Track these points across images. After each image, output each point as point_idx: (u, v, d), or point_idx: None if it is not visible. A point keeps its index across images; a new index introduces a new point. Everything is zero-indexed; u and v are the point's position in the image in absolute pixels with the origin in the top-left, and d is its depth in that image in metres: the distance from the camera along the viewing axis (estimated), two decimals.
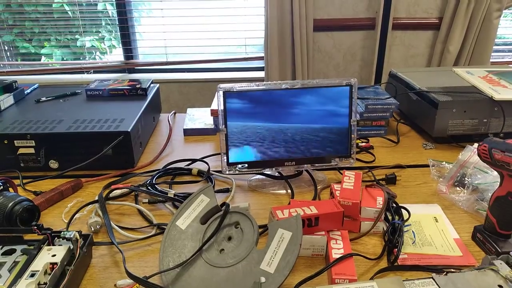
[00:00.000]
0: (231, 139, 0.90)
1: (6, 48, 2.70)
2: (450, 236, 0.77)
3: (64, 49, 2.75)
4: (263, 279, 0.52)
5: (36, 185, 0.96)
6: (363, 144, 1.13)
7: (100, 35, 2.76)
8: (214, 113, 1.23)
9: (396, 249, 0.71)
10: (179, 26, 2.41)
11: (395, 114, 1.28)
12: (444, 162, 0.99)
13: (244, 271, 0.63)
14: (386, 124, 1.21)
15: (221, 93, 0.87)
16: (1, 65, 2.61)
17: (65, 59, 2.77)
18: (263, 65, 2.43)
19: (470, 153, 0.90)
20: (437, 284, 0.53)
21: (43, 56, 2.81)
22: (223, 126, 0.89)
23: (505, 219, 0.70)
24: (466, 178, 0.89)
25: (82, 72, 2.52)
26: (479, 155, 0.73)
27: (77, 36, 2.69)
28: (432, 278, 0.54)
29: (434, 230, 0.79)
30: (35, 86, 1.30)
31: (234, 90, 0.88)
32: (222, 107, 0.88)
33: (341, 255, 0.67)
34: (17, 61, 2.69)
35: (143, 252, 0.75)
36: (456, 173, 0.91)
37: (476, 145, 0.90)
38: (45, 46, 2.72)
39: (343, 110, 0.91)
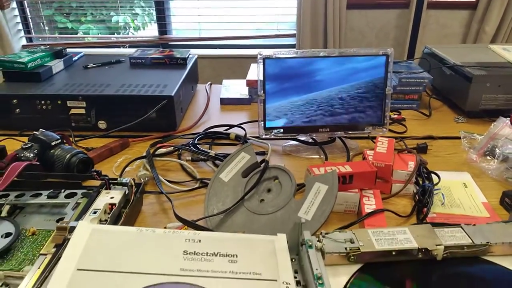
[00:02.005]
0: (268, 104, 0.94)
1: (45, 22, 2.81)
2: (478, 200, 0.80)
3: (99, 25, 2.84)
4: (303, 220, 0.57)
5: (86, 143, 1.03)
6: (396, 116, 1.16)
7: (134, 12, 2.84)
8: (250, 83, 1.27)
9: (426, 208, 0.75)
10: (212, 2, 2.45)
11: (427, 89, 1.29)
12: (475, 134, 1.01)
13: (283, 218, 0.69)
14: (418, 98, 1.23)
15: (261, 59, 0.91)
16: (41, 39, 2.72)
17: (100, 34, 2.86)
18: (294, 43, 2.45)
19: (502, 124, 0.92)
20: (465, 232, 0.57)
21: (80, 31, 2.91)
22: (262, 91, 0.94)
23: None
24: (497, 148, 0.91)
25: (118, 47, 2.60)
26: (511, 121, 0.75)
27: (112, 13, 2.77)
28: (461, 226, 0.58)
29: (463, 194, 0.82)
30: (81, 54, 1.38)
31: (274, 57, 0.92)
32: (261, 73, 0.92)
33: (373, 210, 0.71)
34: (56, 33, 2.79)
35: (188, 202, 0.81)
36: (487, 143, 0.93)
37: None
38: (81, 21, 2.82)
39: (379, 79, 0.94)
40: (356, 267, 0.55)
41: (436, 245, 0.55)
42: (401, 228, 0.58)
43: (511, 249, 0.57)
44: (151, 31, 2.83)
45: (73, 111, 1.06)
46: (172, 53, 1.31)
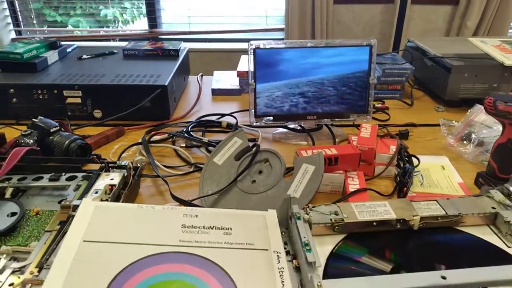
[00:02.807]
0: (258, 93, 0.99)
1: (34, 16, 2.80)
2: (455, 180, 0.86)
3: (88, 18, 2.85)
4: (292, 194, 0.62)
5: (82, 131, 1.07)
6: (379, 105, 1.22)
7: (123, 5, 2.85)
8: (240, 74, 1.32)
9: (406, 188, 0.80)
10: None
11: (410, 80, 1.35)
12: (454, 121, 1.07)
13: (273, 197, 0.74)
14: (401, 88, 1.29)
15: (252, 49, 0.96)
16: (29, 32, 2.72)
17: (90, 28, 2.87)
18: (282, 37, 2.49)
19: (478, 111, 0.98)
20: (440, 205, 0.62)
21: (69, 25, 2.91)
22: (252, 80, 0.98)
23: (504, 164, 0.79)
24: (472, 134, 0.97)
25: (108, 40, 2.62)
26: (485, 108, 0.81)
27: (101, 7, 2.78)
28: (436, 200, 0.63)
29: (441, 175, 0.88)
30: (75, 46, 1.41)
31: (264, 47, 0.96)
32: (252, 63, 0.97)
33: (357, 189, 0.77)
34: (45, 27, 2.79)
35: (183, 185, 0.86)
36: (464, 128, 0.99)
37: None
38: (70, 14, 2.82)
39: (363, 69, 1.00)
40: (340, 237, 0.60)
41: (413, 215, 0.60)
42: (382, 202, 0.63)
43: (480, 220, 0.63)
44: (140, 24, 2.84)
45: (69, 100, 1.09)
46: (164, 45, 1.35)
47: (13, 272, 0.56)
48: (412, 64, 1.29)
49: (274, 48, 0.97)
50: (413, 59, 1.35)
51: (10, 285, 0.53)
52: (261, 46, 0.96)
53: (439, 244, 0.60)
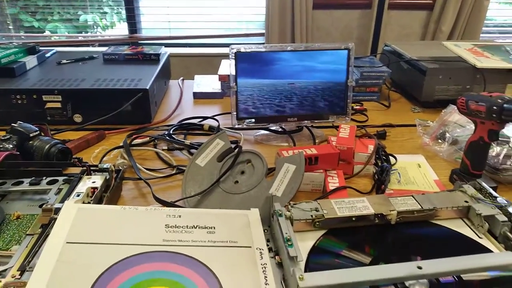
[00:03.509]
0: (240, 95, 1.00)
1: (10, 21, 2.76)
2: (430, 178, 0.89)
3: (67, 24, 2.82)
4: (274, 193, 0.63)
5: (62, 135, 1.06)
6: (358, 107, 1.25)
7: (102, 11, 2.83)
8: (222, 78, 1.33)
9: (383, 185, 0.83)
10: (182, 1, 2.49)
11: (387, 83, 1.39)
12: (429, 121, 1.10)
13: (256, 196, 0.75)
14: (379, 90, 1.32)
15: (233, 52, 0.97)
16: (4, 38, 2.68)
17: (68, 33, 2.84)
18: (263, 42, 2.52)
19: (452, 111, 1.02)
20: (415, 200, 0.65)
21: (46, 31, 2.87)
22: (234, 83, 0.99)
23: (477, 160, 0.82)
24: (447, 133, 1.00)
25: (87, 46, 2.60)
26: (458, 107, 0.85)
27: (79, 12, 2.76)
28: (412, 196, 0.66)
29: (417, 173, 0.91)
30: (54, 51, 1.39)
31: (245, 50, 0.98)
32: (233, 66, 0.98)
33: (336, 187, 0.79)
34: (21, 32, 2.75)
35: (165, 187, 0.86)
36: (439, 128, 1.02)
37: None
38: (47, 20, 2.78)
39: (341, 71, 1.02)
40: (321, 233, 0.62)
41: (390, 210, 0.62)
42: (360, 198, 0.65)
43: (454, 213, 0.65)
44: (120, 30, 2.83)
45: (48, 105, 1.08)
46: (144, 50, 1.35)
47: None
48: (389, 67, 1.33)
49: (255, 51, 0.99)
50: (390, 62, 1.39)
51: None
52: (242, 50, 0.98)
53: (415, 237, 0.63)
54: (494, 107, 0.75)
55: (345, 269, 0.51)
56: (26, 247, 0.60)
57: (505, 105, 0.74)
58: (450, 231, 0.63)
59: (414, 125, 1.13)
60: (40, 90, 1.07)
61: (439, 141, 1.01)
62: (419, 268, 0.51)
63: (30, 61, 1.22)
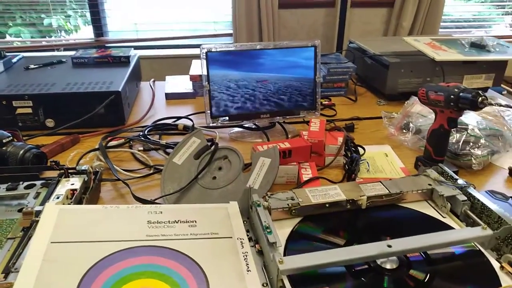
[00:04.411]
0: (213, 94, 1.03)
1: None
2: (397, 165, 0.94)
3: (30, 28, 2.75)
4: (252, 185, 0.66)
5: (35, 141, 1.05)
6: (326, 102, 1.29)
7: (66, 14, 2.77)
8: (193, 78, 1.35)
9: (354, 175, 0.88)
10: (148, 2, 2.48)
11: (353, 78, 1.45)
12: (394, 113, 1.16)
13: (234, 190, 0.78)
14: (345, 85, 1.38)
15: (204, 52, 0.99)
16: None
17: (32, 38, 2.76)
18: (231, 42, 2.54)
19: (414, 102, 1.08)
20: (383, 185, 0.69)
21: (8, 36, 2.79)
22: (206, 83, 1.02)
23: (438, 147, 0.88)
24: (410, 123, 1.06)
25: (52, 50, 2.54)
26: (419, 98, 0.90)
27: (42, 15, 2.69)
28: (380, 182, 0.70)
29: (385, 162, 0.96)
30: (20, 56, 1.37)
31: (215, 50, 1.00)
32: (205, 66, 1.00)
33: (310, 178, 0.83)
34: None
35: (144, 187, 0.87)
36: (402, 119, 1.08)
37: None
38: (8, 24, 2.70)
39: (309, 68, 1.06)
40: (297, 220, 0.65)
41: (360, 196, 0.67)
42: (333, 186, 0.69)
43: (419, 196, 0.70)
44: (85, 33, 2.78)
45: (19, 110, 1.07)
46: (113, 53, 1.35)
47: None
48: (354, 63, 1.39)
49: (225, 50, 1.01)
50: (355, 58, 1.45)
51: None
52: (213, 49, 1.00)
53: (384, 219, 0.67)
54: (452, 96, 0.81)
55: (321, 251, 0.54)
56: (8, 250, 0.60)
57: (461, 94, 0.79)
58: (416, 212, 0.68)
59: (380, 117, 1.19)
60: (9, 96, 1.05)
61: (404, 131, 1.07)
62: (389, 246, 0.55)
63: None
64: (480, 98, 0.77)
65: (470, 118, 1.05)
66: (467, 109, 0.81)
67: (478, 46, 1.38)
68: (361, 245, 0.56)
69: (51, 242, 0.57)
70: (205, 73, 1.01)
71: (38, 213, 0.64)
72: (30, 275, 0.51)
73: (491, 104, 0.77)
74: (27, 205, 0.72)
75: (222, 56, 1.01)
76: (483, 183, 0.90)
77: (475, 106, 0.77)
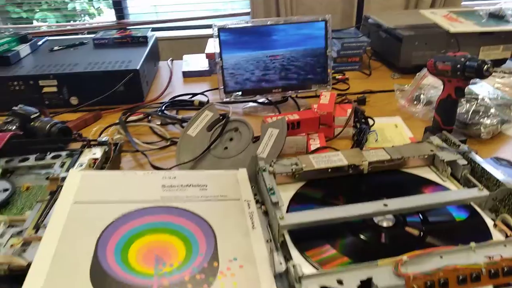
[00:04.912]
0: (226, 70, 1.06)
1: None
2: (406, 136, 0.96)
3: (56, 13, 2.84)
4: (260, 155, 0.70)
5: (60, 117, 1.11)
6: (340, 76, 1.31)
7: None
8: (209, 56, 1.38)
9: (361, 144, 0.90)
10: None
11: (368, 52, 1.45)
12: (406, 85, 1.17)
13: (244, 159, 0.82)
14: (360, 60, 1.38)
15: (216, 29, 1.03)
16: None
17: (57, 23, 2.85)
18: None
19: (425, 73, 1.09)
20: (386, 151, 0.72)
21: (34, 21, 2.89)
22: (219, 59, 1.05)
23: (447, 116, 0.89)
24: (422, 94, 1.07)
25: (76, 34, 2.62)
26: (427, 69, 0.91)
27: (67, 0, 2.77)
28: (383, 148, 0.73)
29: (394, 133, 0.98)
30: (45, 39, 1.44)
31: (227, 27, 1.03)
32: (217, 43, 1.04)
33: (317, 147, 0.86)
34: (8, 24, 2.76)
35: (161, 158, 0.93)
36: (414, 91, 1.09)
37: None
38: (33, 10, 2.79)
39: (321, 42, 1.08)
40: (300, 184, 0.69)
41: (362, 161, 0.70)
42: (335, 152, 0.72)
43: (421, 162, 0.72)
44: (107, 16, 2.85)
45: (45, 89, 1.14)
46: (132, 33, 1.40)
47: (12, 236, 0.62)
48: (369, 37, 1.39)
49: (237, 27, 1.04)
50: (370, 32, 1.45)
51: (11, 246, 0.60)
52: (225, 26, 1.03)
53: (386, 183, 0.70)
54: (458, 65, 0.81)
55: (319, 209, 0.58)
56: (38, 211, 0.67)
57: (467, 63, 0.80)
58: (416, 177, 0.70)
59: (393, 91, 1.20)
60: (36, 76, 1.12)
61: (415, 103, 1.08)
62: (385, 205, 0.58)
63: (23, 49, 1.27)
64: (485, 66, 0.77)
65: (483, 88, 1.05)
66: (473, 78, 0.81)
67: (497, 16, 1.35)
68: (358, 204, 0.59)
69: (75, 203, 0.62)
70: (218, 49, 1.04)
71: (63, 178, 0.70)
72: (56, 230, 0.57)
73: (504, 73, 0.78)
74: (53, 173, 0.79)
75: (234, 32, 1.04)
76: (492, 151, 0.90)
77: (481, 74, 0.78)
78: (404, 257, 0.48)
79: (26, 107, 0.97)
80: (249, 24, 1.05)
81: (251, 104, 1.16)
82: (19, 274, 0.53)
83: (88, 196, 0.64)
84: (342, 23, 2.61)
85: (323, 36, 1.08)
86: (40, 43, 1.40)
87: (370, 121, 1.00)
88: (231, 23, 1.04)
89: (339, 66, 1.37)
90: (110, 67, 1.15)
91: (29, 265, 0.53)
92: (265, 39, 1.06)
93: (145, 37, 1.37)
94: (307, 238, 0.58)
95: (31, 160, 0.83)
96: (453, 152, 0.71)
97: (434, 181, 0.69)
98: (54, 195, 0.69)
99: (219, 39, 1.03)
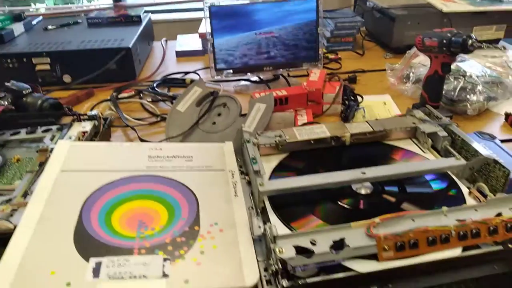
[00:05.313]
0: (217, 47, 1.07)
1: None
2: (394, 113, 0.97)
3: None
4: (247, 129, 0.72)
5: (53, 94, 1.12)
6: (332, 56, 1.31)
7: None
8: (202, 35, 1.39)
9: (348, 120, 0.91)
10: None
11: (362, 33, 1.45)
12: (397, 65, 1.17)
13: (232, 134, 0.83)
14: (353, 40, 1.38)
15: (207, 6, 1.03)
16: None
17: (55, 5, 2.84)
18: None
19: (414, 52, 1.09)
20: (369, 124, 0.73)
21: (32, 4, 2.88)
22: (210, 36, 1.06)
23: (433, 93, 0.90)
24: (411, 73, 1.08)
25: (73, 16, 2.61)
26: (416, 46, 0.92)
27: None
28: (366, 121, 0.74)
29: (382, 110, 0.99)
30: (40, 18, 1.44)
31: (218, 4, 1.04)
32: (208, 20, 1.04)
33: (304, 122, 0.87)
34: (5, 7, 2.75)
35: (151, 133, 0.94)
36: (404, 69, 1.10)
37: None
38: None
39: (312, 20, 1.08)
40: (284, 155, 0.70)
41: (345, 133, 0.71)
42: (319, 125, 0.73)
43: (403, 134, 0.74)
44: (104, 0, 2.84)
45: (38, 67, 1.15)
46: (126, 12, 1.40)
47: (1, 204, 0.64)
48: (363, 18, 1.39)
49: (229, 4, 1.04)
50: (364, 12, 1.44)
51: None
52: (216, 3, 1.04)
53: (367, 155, 0.71)
54: (444, 41, 0.82)
55: (298, 176, 0.59)
56: (27, 181, 0.68)
57: (453, 38, 0.81)
58: (398, 149, 0.72)
59: (385, 70, 1.20)
60: (29, 53, 1.13)
61: (404, 81, 1.09)
62: (363, 173, 0.60)
63: (17, 28, 1.28)
64: (470, 41, 0.78)
65: (474, 67, 1.05)
66: (458, 53, 0.82)
67: None
68: (337, 172, 0.60)
69: (62, 171, 0.64)
70: (208, 27, 1.05)
71: (52, 149, 0.72)
72: (42, 195, 0.59)
73: (496, 48, 0.78)
74: (43, 145, 0.80)
75: (225, 10, 1.04)
76: (477, 128, 0.91)
77: (466, 49, 0.79)
78: (377, 219, 0.49)
79: (18, 83, 0.98)
80: (241, 2, 1.05)
81: (242, 82, 1.17)
82: (6, 237, 0.55)
83: (75, 165, 0.65)
84: (340, 3, 2.59)
85: (314, 14, 1.08)
86: (34, 22, 1.40)
87: (359, 99, 1.01)
88: (222, 0, 1.04)
89: (332, 46, 1.37)
90: (103, 45, 1.16)
91: (15, 228, 0.55)
92: (256, 16, 1.06)
93: (139, 17, 1.37)
94: (286, 205, 0.59)
95: (22, 133, 0.84)
96: (435, 124, 0.72)
97: (415, 152, 0.70)
98: (43, 166, 0.71)
99: (210, 16, 1.04)
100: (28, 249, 0.50)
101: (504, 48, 1.08)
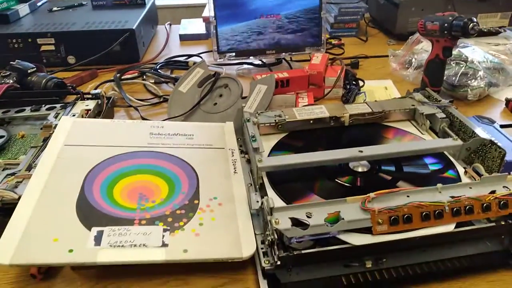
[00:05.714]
0: (220, 30, 1.07)
1: None
2: (394, 96, 0.97)
3: None
4: (247, 109, 0.72)
5: (58, 75, 1.13)
6: (336, 42, 1.31)
7: None
8: (206, 19, 1.39)
9: (348, 102, 0.92)
10: None
11: (366, 19, 1.44)
12: (399, 50, 1.17)
13: (233, 114, 0.83)
14: (357, 26, 1.38)
15: None
16: None
17: None
18: None
19: (417, 37, 1.09)
20: (368, 106, 0.74)
21: None
22: (213, 18, 1.06)
23: (434, 77, 0.91)
24: (413, 58, 1.08)
25: None
26: (418, 30, 0.92)
27: None
28: (366, 103, 0.75)
29: (383, 94, 0.99)
30: (45, 0, 1.45)
31: None
32: (212, 2, 1.04)
33: (305, 104, 0.88)
34: None
35: (153, 113, 0.95)
36: (406, 54, 1.10)
37: None
38: None
39: (315, 5, 1.08)
40: (283, 134, 0.71)
41: (344, 113, 0.72)
42: (319, 105, 0.74)
43: (402, 116, 0.74)
44: None
45: (43, 48, 1.15)
46: None
47: (6, 177, 0.65)
48: (367, 4, 1.38)
49: None
50: None
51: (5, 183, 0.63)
52: None
53: (366, 135, 0.72)
54: (445, 24, 0.82)
55: (296, 154, 0.60)
56: (32, 155, 0.70)
57: (454, 22, 0.81)
58: (397, 130, 0.72)
59: (387, 56, 1.20)
60: (34, 33, 1.14)
61: (406, 66, 1.09)
62: (360, 152, 0.61)
63: (23, 9, 1.28)
64: (471, 24, 0.78)
65: (476, 53, 1.05)
66: (460, 37, 0.82)
67: None
68: (335, 150, 0.61)
69: (65, 145, 0.65)
70: (212, 9, 1.05)
71: (56, 125, 0.73)
72: (46, 167, 0.60)
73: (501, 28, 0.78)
74: (47, 122, 0.82)
75: None
76: (478, 113, 0.91)
77: (466, 32, 0.79)
78: (372, 194, 0.50)
79: (23, 62, 0.99)
80: None
81: (245, 66, 1.17)
82: (11, 207, 0.56)
83: (78, 140, 0.67)
84: None
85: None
86: (39, 3, 1.40)
87: (360, 83, 1.01)
88: None
89: (336, 32, 1.37)
90: (106, 26, 1.16)
91: (20, 198, 0.56)
92: (260, 1, 1.06)
93: None
94: (284, 182, 0.60)
95: (27, 111, 0.86)
96: (433, 106, 0.72)
97: (414, 134, 0.71)
98: (47, 142, 0.72)
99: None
100: (32, 217, 0.52)
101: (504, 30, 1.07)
